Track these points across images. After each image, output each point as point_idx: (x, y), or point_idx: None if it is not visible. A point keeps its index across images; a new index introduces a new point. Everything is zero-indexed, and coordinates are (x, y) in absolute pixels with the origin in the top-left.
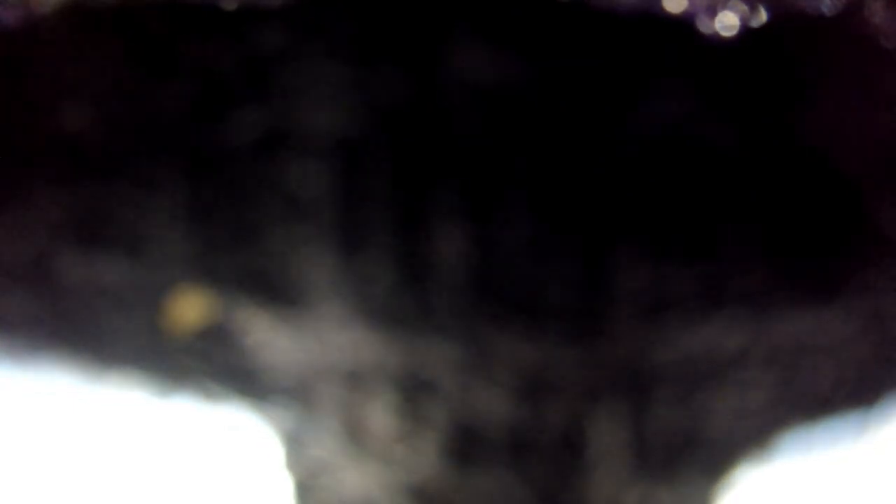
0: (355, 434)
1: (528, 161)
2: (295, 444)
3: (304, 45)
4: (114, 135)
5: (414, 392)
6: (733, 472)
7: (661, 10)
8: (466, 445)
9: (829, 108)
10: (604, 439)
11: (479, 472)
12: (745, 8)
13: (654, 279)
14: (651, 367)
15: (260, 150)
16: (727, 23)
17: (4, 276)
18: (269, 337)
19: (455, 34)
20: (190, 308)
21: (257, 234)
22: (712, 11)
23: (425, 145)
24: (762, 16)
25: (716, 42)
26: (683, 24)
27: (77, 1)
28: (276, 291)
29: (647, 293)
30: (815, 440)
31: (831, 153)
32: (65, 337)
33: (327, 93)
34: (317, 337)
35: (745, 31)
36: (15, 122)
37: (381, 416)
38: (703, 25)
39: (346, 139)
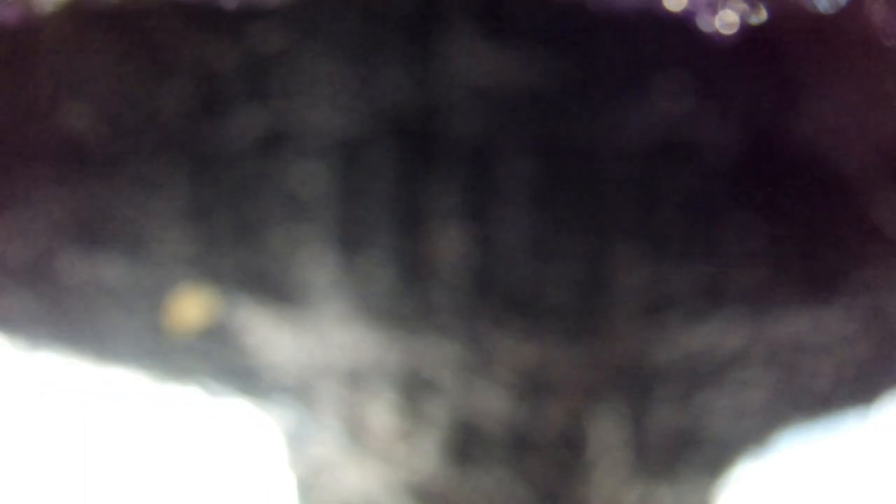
0: (356, 432)
1: (527, 160)
2: (296, 443)
3: (304, 44)
4: (114, 134)
5: (414, 391)
6: (733, 470)
7: (662, 8)
8: (467, 444)
9: (828, 106)
10: (604, 438)
11: (480, 470)
12: (745, 6)
13: (653, 278)
14: (651, 366)
15: (260, 149)
16: (727, 21)
17: (5, 275)
18: (270, 336)
19: (455, 34)
20: (191, 307)
21: (258, 234)
22: (713, 9)
23: (425, 145)
24: (762, 14)
25: (716, 40)
26: (683, 22)
27: (77, 0)
28: (276, 290)
29: (646, 292)
30: (814, 438)
31: (831, 152)
32: (66, 336)
33: (327, 92)
34: (318, 336)
35: (745, 30)
36: (15, 121)
37: (381, 414)
38: (704, 23)
39: (347, 138)
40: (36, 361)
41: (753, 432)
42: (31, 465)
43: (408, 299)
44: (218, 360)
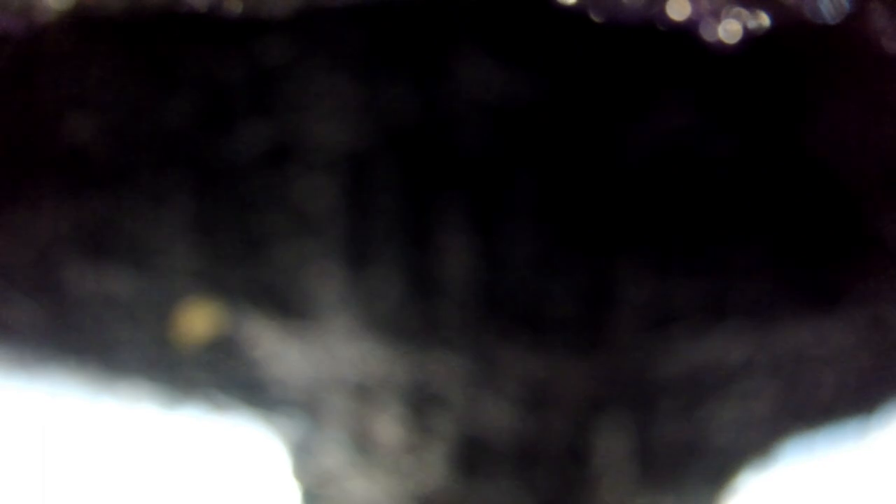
0: (363, 445)
1: (533, 175)
2: (303, 455)
3: (311, 58)
4: (120, 146)
5: (421, 404)
6: (737, 480)
7: (665, 18)
8: (473, 456)
9: (831, 116)
10: (609, 450)
11: (486, 482)
12: (748, 16)
13: (657, 291)
14: (655, 379)
15: (267, 162)
16: (730, 31)
17: (13, 287)
18: (278, 349)
19: (461, 48)
20: (198, 320)
21: (265, 247)
22: (716, 19)
23: (432, 159)
24: (766, 23)
25: (719, 50)
26: (686, 33)
27: (80, 11)
28: (284, 304)
29: (651, 305)
30: (816, 447)
31: (833, 162)
32: (73, 349)
33: (334, 106)
34: (325, 349)
35: (748, 39)
36: (20, 132)
37: (388, 427)
38: (707, 33)
39: (354, 153)
40: (42, 374)
41: (757, 443)
42: (37, 477)
43: (415, 313)
44: (225, 372)
